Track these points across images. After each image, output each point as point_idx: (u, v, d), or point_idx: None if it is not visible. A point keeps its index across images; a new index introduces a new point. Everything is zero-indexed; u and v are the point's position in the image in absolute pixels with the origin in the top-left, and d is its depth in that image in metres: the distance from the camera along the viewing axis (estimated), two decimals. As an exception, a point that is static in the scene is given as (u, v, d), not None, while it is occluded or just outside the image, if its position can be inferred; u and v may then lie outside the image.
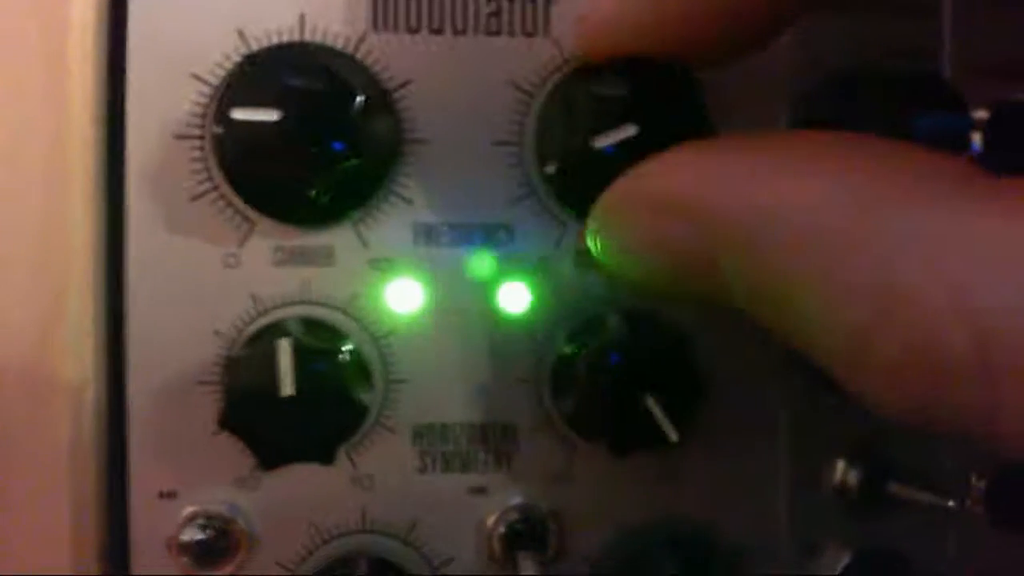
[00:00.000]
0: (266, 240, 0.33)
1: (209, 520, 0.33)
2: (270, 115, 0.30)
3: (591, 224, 0.30)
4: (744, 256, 0.24)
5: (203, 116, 0.33)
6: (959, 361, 0.20)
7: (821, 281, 0.22)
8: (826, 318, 0.23)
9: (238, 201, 0.33)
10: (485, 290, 0.35)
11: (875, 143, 0.24)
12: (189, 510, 0.34)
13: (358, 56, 0.33)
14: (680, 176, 0.27)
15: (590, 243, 0.31)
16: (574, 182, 0.33)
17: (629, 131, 0.30)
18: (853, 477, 0.37)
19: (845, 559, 0.37)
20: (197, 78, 0.33)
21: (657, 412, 0.32)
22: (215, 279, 0.33)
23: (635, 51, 0.30)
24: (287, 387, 0.30)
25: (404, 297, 0.34)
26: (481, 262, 0.35)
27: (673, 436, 0.32)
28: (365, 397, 0.32)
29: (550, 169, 0.33)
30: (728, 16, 0.29)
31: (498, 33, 0.34)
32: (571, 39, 0.34)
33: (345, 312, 0.34)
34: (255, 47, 0.33)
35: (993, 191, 0.21)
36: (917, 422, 0.22)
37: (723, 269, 0.25)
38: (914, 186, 0.22)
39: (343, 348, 0.32)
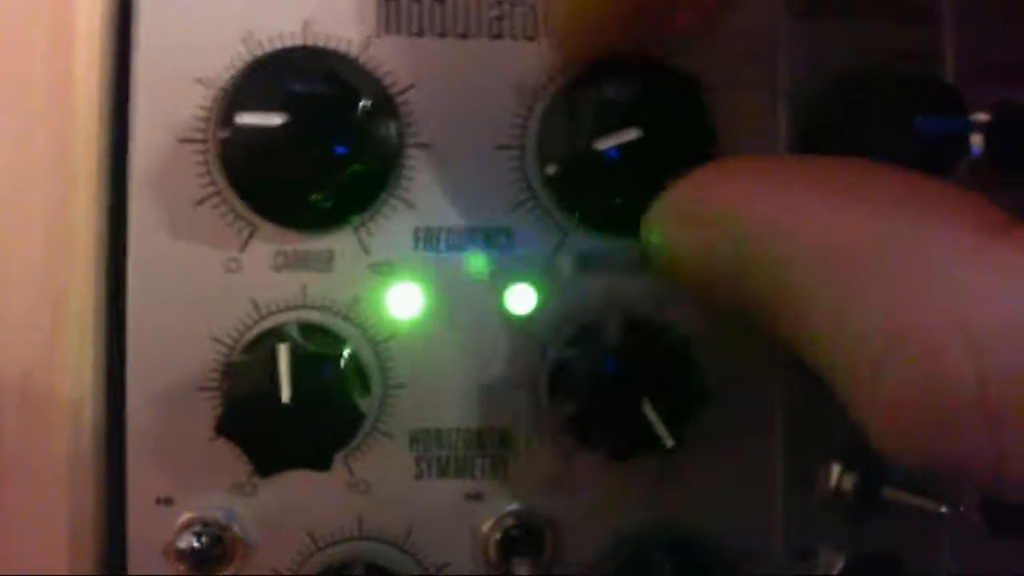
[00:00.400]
0: (267, 244, 0.33)
1: (205, 527, 0.33)
2: (275, 119, 0.30)
3: (644, 224, 0.30)
4: (762, 280, 0.25)
5: (207, 120, 0.33)
6: (964, 401, 0.20)
7: (833, 313, 0.23)
8: (836, 349, 0.23)
9: (240, 205, 0.33)
10: (485, 295, 0.35)
11: (915, 180, 0.25)
12: (186, 517, 0.33)
13: (362, 60, 0.33)
14: (722, 194, 0.27)
15: (643, 241, 0.31)
16: (575, 186, 0.33)
17: (631, 135, 0.30)
18: (849, 482, 0.37)
19: (840, 563, 0.37)
20: (202, 82, 0.33)
21: (653, 417, 0.32)
22: (216, 284, 0.33)
23: (603, 46, 0.31)
24: (285, 393, 0.30)
25: (404, 302, 0.34)
26: (481, 267, 0.34)
27: (669, 442, 0.32)
28: (363, 403, 0.32)
29: (551, 170, 0.33)
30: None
31: (501, 37, 0.34)
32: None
33: (345, 317, 0.34)
34: (260, 51, 0.33)
35: (1013, 241, 0.22)
36: (919, 461, 0.22)
37: (753, 286, 0.25)
38: (939, 229, 0.22)
39: (342, 354, 0.32)
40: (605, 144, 0.30)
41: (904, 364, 0.21)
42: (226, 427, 0.31)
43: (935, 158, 0.33)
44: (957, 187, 0.24)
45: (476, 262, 0.34)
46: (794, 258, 0.24)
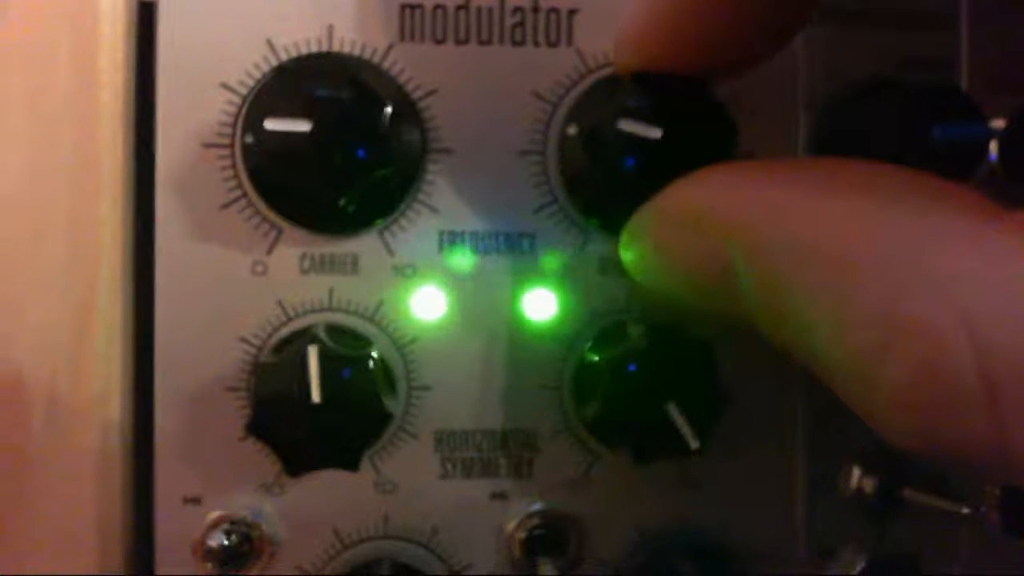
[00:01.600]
0: (293, 248, 0.34)
1: (233, 525, 0.34)
2: (302, 126, 0.30)
3: (623, 238, 0.31)
4: (762, 276, 0.25)
5: (232, 125, 0.33)
6: (965, 386, 0.20)
7: (833, 304, 0.23)
8: (836, 340, 0.23)
9: (266, 209, 0.33)
10: (508, 298, 0.35)
11: (893, 171, 0.25)
12: (214, 515, 0.34)
13: (385, 66, 0.34)
14: (709, 193, 0.27)
15: (622, 256, 0.31)
16: (595, 191, 0.33)
17: (655, 133, 0.30)
18: (869, 483, 0.37)
19: (861, 563, 0.37)
20: (226, 87, 0.33)
21: (679, 420, 0.32)
22: (243, 286, 0.34)
23: (662, 64, 0.30)
24: (315, 394, 0.30)
25: (428, 304, 0.35)
26: (505, 270, 0.35)
27: (694, 444, 0.32)
28: (389, 404, 0.33)
29: (571, 130, 0.33)
30: (741, 27, 0.29)
31: (522, 44, 0.35)
32: (600, 51, 0.35)
33: (370, 319, 0.34)
34: (284, 57, 0.33)
35: (1006, 224, 0.22)
36: (923, 448, 0.22)
37: (742, 287, 0.25)
38: (936, 219, 0.22)
39: (370, 355, 0.33)
40: (627, 127, 0.30)
41: (905, 353, 0.21)
42: (256, 427, 0.32)
43: (952, 165, 0.33)
44: (957, 184, 0.24)
45: (499, 266, 0.35)
46: (789, 253, 0.24)
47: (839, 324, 0.23)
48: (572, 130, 0.34)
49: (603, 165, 0.32)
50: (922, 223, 0.22)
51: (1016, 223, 0.22)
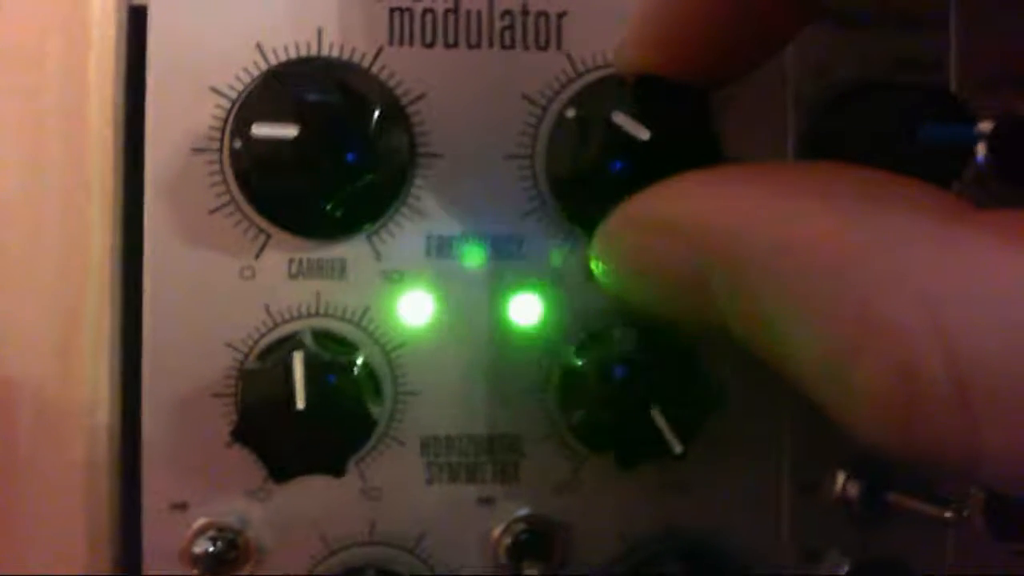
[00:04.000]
0: (281, 252, 0.34)
1: (220, 532, 0.34)
2: (290, 132, 0.30)
3: (594, 246, 0.31)
4: (734, 281, 0.25)
5: (221, 130, 0.33)
6: (937, 389, 0.20)
7: (804, 307, 0.23)
8: (808, 344, 0.23)
9: (254, 214, 0.33)
10: (495, 302, 0.35)
11: (868, 175, 0.25)
12: (200, 522, 0.34)
13: (374, 70, 0.34)
14: (679, 200, 0.27)
15: (592, 265, 0.31)
16: (582, 196, 0.33)
17: (643, 134, 0.30)
18: (854, 488, 0.37)
19: (846, 566, 0.37)
20: (216, 91, 0.33)
21: (662, 424, 0.32)
22: (231, 291, 0.34)
23: (662, 68, 0.30)
24: (301, 400, 0.30)
25: (415, 309, 0.35)
26: (492, 275, 0.35)
27: (678, 448, 0.32)
28: (375, 410, 0.33)
29: (570, 113, 0.33)
30: (740, 32, 0.29)
31: (511, 47, 0.35)
32: (589, 54, 0.35)
33: (358, 324, 0.34)
34: (273, 61, 0.33)
35: (974, 224, 0.22)
36: (896, 449, 0.22)
37: (715, 293, 0.25)
38: (898, 217, 0.22)
39: (356, 361, 0.32)
40: (619, 120, 0.30)
41: (877, 355, 0.21)
42: (242, 433, 0.32)
43: (939, 167, 0.34)
44: (915, 180, 0.24)
45: (486, 270, 0.35)
46: (760, 257, 0.24)
47: (812, 327, 0.23)
48: (570, 113, 0.33)
49: (590, 164, 0.32)
50: (891, 224, 0.22)
51: (984, 223, 0.22)
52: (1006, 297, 0.20)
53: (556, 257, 0.35)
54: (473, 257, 0.35)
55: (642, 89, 0.31)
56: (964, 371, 0.20)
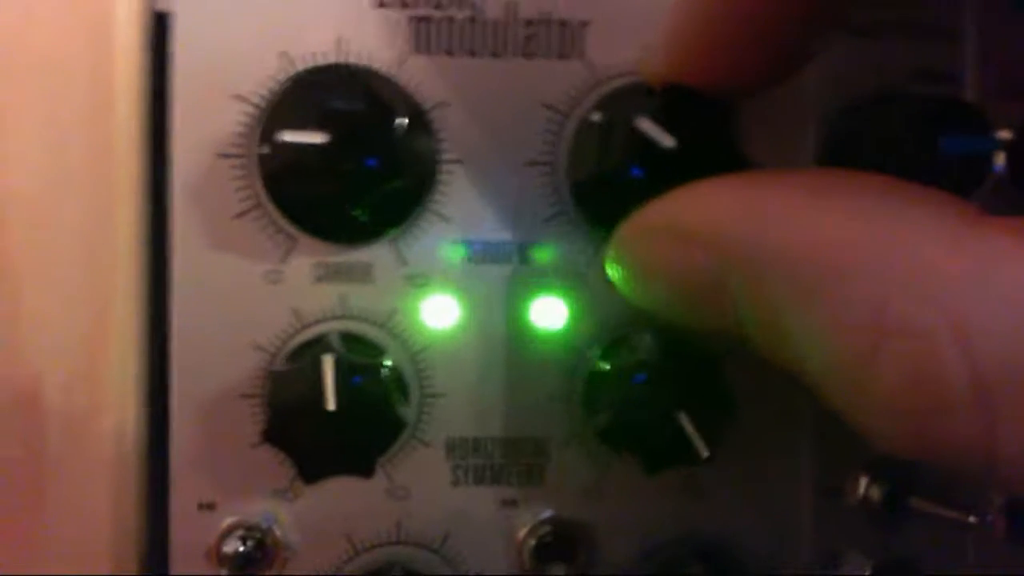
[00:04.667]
0: (307, 257, 0.34)
1: (248, 531, 0.34)
2: (317, 138, 0.30)
3: (611, 251, 0.31)
4: (752, 286, 0.25)
5: (246, 135, 0.33)
6: (956, 390, 0.21)
7: (822, 310, 0.23)
8: (827, 349, 0.23)
9: (280, 219, 0.34)
10: (519, 307, 0.35)
11: (886, 181, 0.25)
12: (228, 521, 0.34)
13: (397, 78, 0.34)
14: (696, 206, 0.27)
15: (609, 270, 0.32)
16: (604, 201, 0.33)
17: (668, 141, 0.30)
18: (876, 492, 0.37)
19: (868, 569, 0.37)
20: (240, 98, 0.33)
21: (689, 429, 0.32)
22: (257, 294, 0.34)
23: (689, 77, 0.30)
24: (331, 402, 0.31)
25: (440, 313, 0.35)
26: (515, 279, 0.35)
27: (704, 453, 0.32)
28: (403, 412, 0.33)
29: (595, 117, 0.33)
30: (766, 44, 0.30)
31: (533, 56, 0.35)
32: (610, 63, 0.35)
33: (383, 327, 0.35)
34: (295, 69, 0.34)
35: (994, 230, 0.22)
36: (914, 452, 0.22)
37: (733, 299, 0.26)
38: (918, 224, 0.23)
39: (384, 363, 0.33)
40: (643, 126, 0.30)
41: (895, 357, 0.21)
42: (273, 435, 0.32)
43: (959, 177, 0.34)
44: (932, 188, 0.24)
45: (510, 275, 0.35)
46: (774, 261, 0.24)
47: (829, 331, 0.23)
48: (596, 117, 0.33)
49: (611, 168, 0.32)
50: (908, 228, 0.23)
51: (999, 227, 0.22)
52: (1023, 299, 0.21)
53: (580, 261, 0.35)
54: (496, 261, 0.35)
55: (669, 97, 0.31)
56: (981, 373, 0.20)
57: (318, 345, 0.32)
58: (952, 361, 0.21)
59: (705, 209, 0.27)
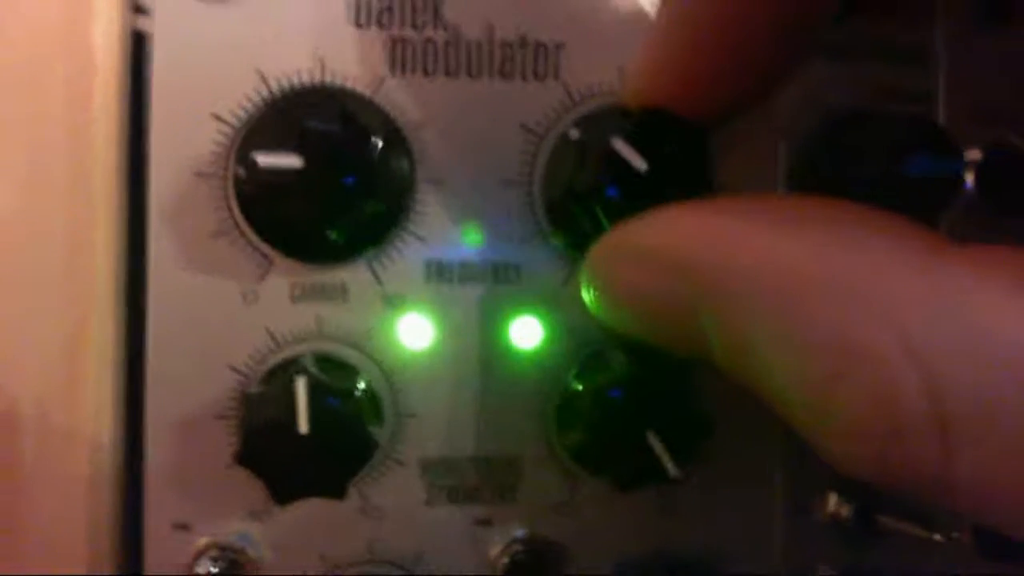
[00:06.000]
0: (283, 277, 0.34)
1: (222, 552, 0.34)
2: (294, 162, 0.30)
3: (583, 274, 0.31)
4: (719, 311, 0.25)
5: (223, 155, 0.34)
6: (914, 416, 0.21)
7: (785, 337, 0.23)
8: (790, 373, 0.23)
9: (257, 240, 0.34)
10: (494, 326, 0.36)
11: (854, 210, 0.25)
12: (202, 542, 0.34)
13: (374, 98, 0.34)
14: (665, 231, 0.28)
15: (583, 293, 0.32)
16: (578, 222, 0.34)
17: (640, 164, 0.31)
18: (846, 510, 0.37)
19: (835, 576, 0.38)
20: (218, 118, 0.33)
21: (659, 448, 0.32)
22: (234, 314, 0.34)
23: (665, 101, 0.31)
24: (304, 425, 0.31)
25: (416, 333, 0.35)
26: (491, 299, 0.35)
27: (674, 472, 0.32)
28: (376, 432, 0.33)
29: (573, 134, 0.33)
30: (741, 68, 0.30)
31: (510, 77, 0.35)
32: (585, 85, 0.35)
33: (358, 347, 0.35)
34: (275, 89, 0.34)
35: (953, 256, 0.22)
36: (875, 476, 0.23)
37: (701, 323, 0.26)
38: (883, 253, 0.23)
39: (358, 386, 0.33)
40: (619, 147, 0.31)
41: (856, 382, 0.22)
42: (245, 457, 0.32)
43: (927, 197, 0.34)
44: (897, 214, 0.25)
45: (485, 295, 0.35)
46: (740, 286, 0.24)
47: (792, 355, 0.23)
48: (574, 134, 0.33)
49: (585, 187, 0.32)
50: (870, 255, 0.23)
51: (962, 256, 0.22)
52: (981, 327, 0.21)
53: (555, 281, 0.36)
54: (472, 281, 0.35)
55: (645, 120, 0.31)
56: (940, 399, 0.21)
57: (292, 367, 0.33)
58: (911, 387, 0.21)
59: (674, 234, 0.27)
